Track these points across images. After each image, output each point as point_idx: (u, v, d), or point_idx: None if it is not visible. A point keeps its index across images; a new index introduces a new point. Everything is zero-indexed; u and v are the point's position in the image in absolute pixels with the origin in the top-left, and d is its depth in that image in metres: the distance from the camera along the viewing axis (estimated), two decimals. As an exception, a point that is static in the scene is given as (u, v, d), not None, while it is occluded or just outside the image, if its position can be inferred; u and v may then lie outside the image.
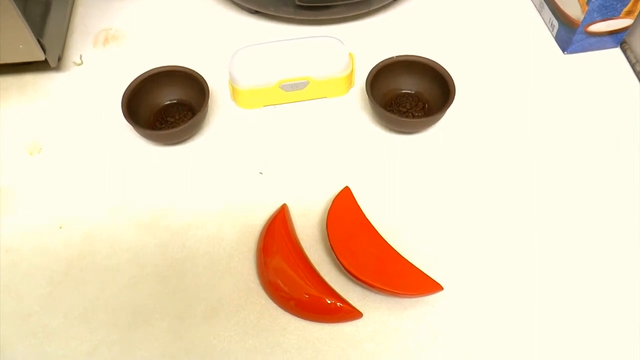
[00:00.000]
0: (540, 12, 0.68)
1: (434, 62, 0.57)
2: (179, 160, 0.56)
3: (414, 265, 0.46)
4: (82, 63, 0.64)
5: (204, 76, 0.57)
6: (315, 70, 0.57)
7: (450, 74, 0.56)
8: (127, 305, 0.47)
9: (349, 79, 0.60)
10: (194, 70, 0.57)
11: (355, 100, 0.60)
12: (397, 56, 0.57)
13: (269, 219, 0.51)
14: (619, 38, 0.63)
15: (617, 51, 0.64)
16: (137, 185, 0.54)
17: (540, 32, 0.67)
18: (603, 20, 0.60)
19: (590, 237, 0.51)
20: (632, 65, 0.62)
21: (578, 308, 0.47)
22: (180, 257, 0.50)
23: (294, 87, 0.58)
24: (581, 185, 0.54)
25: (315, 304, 0.46)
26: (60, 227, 0.52)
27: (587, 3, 0.58)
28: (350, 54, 0.59)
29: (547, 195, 0.53)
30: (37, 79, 0.62)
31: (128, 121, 0.54)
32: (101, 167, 0.55)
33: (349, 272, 0.46)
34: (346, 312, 0.46)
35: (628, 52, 0.63)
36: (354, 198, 0.50)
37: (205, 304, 0.47)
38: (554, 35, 0.65)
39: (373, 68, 0.57)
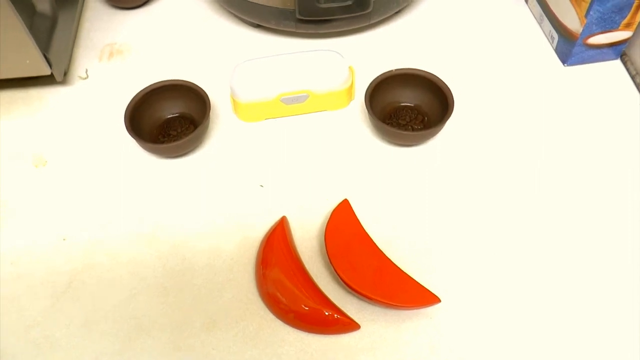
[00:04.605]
0: (540, 24, 0.68)
1: (433, 75, 0.58)
2: (181, 173, 0.57)
3: (411, 278, 0.47)
4: (87, 77, 0.65)
5: (206, 89, 0.58)
6: (316, 83, 0.58)
7: (450, 86, 0.57)
8: (128, 317, 0.48)
9: (349, 92, 0.60)
10: (195, 84, 0.58)
11: (356, 113, 0.61)
12: (396, 69, 0.58)
13: (269, 231, 0.51)
14: (618, 50, 0.63)
15: (617, 63, 0.64)
16: (139, 198, 0.55)
17: (540, 44, 0.67)
18: (602, 32, 0.60)
19: (589, 250, 0.51)
20: (632, 77, 0.63)
21: (577, 318, 0.47)
22: (180, 269, 0.50)
23: (295, 101, 0.58)
24: (582, 197, 0.54)
25: (313, 316, 0.47)
26: (64, 239, 0.52)
27: (586, 16, 0.58)
28: (350, 67, 0.60)
29: (546, 206, 0.53)
30: (43, 93, 0.63)
31: (131, 135, 0.55)
32: (105, 180, 0.56)
33: (346, 284, 0.47)
34: (344, 324, 0.46)
35: (628, 64, 0.64)
36: (353, 210, 0.51)
37: (205, 316, 0.48)
38: (554, 47, 0.66)
39: (372, 81, 0.57)
